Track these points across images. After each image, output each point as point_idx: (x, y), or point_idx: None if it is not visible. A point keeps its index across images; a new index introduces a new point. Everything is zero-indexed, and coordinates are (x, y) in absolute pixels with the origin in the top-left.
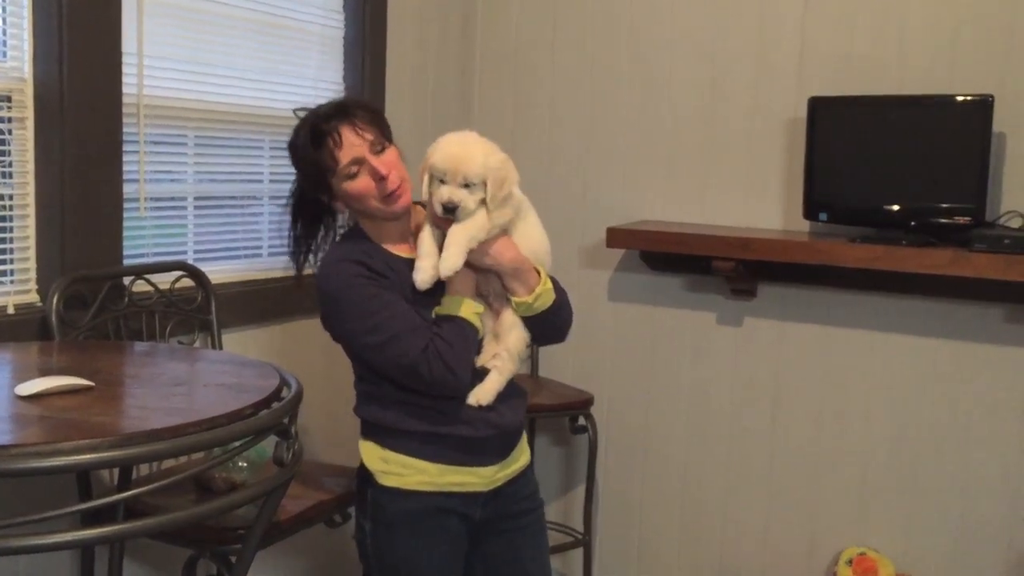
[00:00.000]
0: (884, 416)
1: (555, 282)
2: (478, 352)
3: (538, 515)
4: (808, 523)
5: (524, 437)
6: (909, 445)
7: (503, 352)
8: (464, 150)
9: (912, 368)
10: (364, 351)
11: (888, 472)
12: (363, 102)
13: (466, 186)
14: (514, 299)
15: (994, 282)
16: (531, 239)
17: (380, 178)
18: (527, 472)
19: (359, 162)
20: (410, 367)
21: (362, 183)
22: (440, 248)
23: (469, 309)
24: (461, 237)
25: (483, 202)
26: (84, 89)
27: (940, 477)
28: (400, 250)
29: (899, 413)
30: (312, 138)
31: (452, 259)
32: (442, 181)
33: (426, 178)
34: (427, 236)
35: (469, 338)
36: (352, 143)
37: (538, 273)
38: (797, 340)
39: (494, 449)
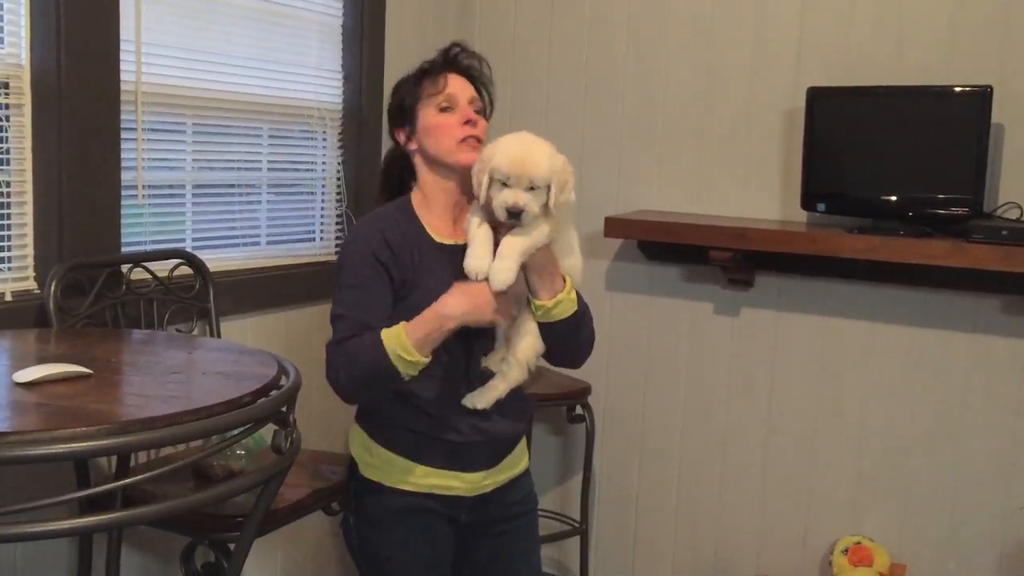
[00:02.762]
0: (880, 406)
1: (581, 298)
2: (483, 357)
3: (531, 517)
4: (804, 512)
5: (523, 445)
6: (905, 435)
7: (511, 358)
8: (528, 152)
9: (908, 358)
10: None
11: (884, 461)
12: (487, 79)
13: (530, 189)
14: (534, 302)
15: (991, 273)
16: (572, 255)
17: (467, 121)
18: (520, 479)
19: (456, 103)
20: (326, 352)
21: (450, 118)
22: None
23: (398, 343)
24: (518, 249)
25: (544, 206)
26: (82, 76)
27: (935, 467)
28: (441, 235)
29: (895, 403)
30: (432, 64)
31: (506, 273)
32: (504, 184)
33: (485, 180)
34: (482, 229)
35: (376, 362)
36: (460, 87)
37: (564, 282)
38: (794, 330)
39: (481, 456)
